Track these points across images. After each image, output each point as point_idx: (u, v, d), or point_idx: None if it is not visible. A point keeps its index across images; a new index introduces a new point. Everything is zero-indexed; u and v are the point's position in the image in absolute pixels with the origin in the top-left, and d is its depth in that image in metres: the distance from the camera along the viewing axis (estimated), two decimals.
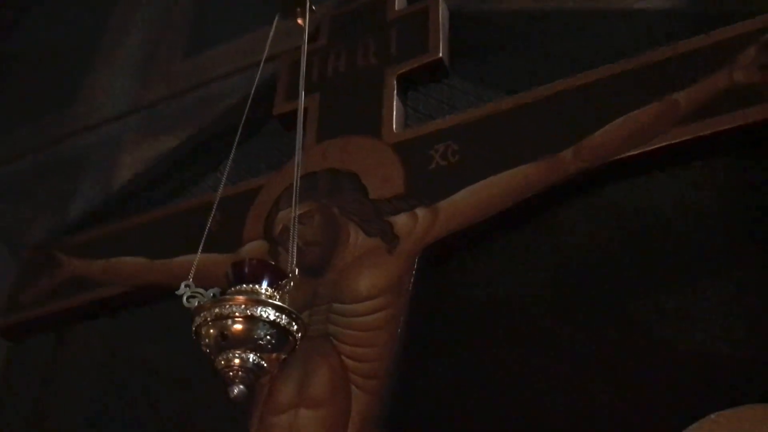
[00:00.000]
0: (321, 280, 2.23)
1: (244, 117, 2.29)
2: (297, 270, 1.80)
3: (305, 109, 2.72)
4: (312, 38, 2.99)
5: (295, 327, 1.76)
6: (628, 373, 1.83)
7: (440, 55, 2.56)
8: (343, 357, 2.06)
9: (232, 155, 2.20)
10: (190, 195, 2.87)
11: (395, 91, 2.56)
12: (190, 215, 2.67)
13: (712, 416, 1.57)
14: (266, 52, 2.47)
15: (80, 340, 2.82)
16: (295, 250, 1.85)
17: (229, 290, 1.76)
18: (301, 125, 2.21)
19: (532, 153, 2.15)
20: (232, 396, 1.69)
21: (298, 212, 2.38)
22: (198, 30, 4.65)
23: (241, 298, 1.72)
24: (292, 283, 1.76)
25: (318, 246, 2.30)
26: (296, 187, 2.00)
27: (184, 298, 1.78)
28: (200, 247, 1.94)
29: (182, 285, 1.80)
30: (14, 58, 5.22)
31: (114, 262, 2.72)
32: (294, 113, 2.69)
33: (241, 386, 1.70)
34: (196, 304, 1.75)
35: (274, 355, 1.76)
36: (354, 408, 1.96)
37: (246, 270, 1.81)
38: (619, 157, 2.03)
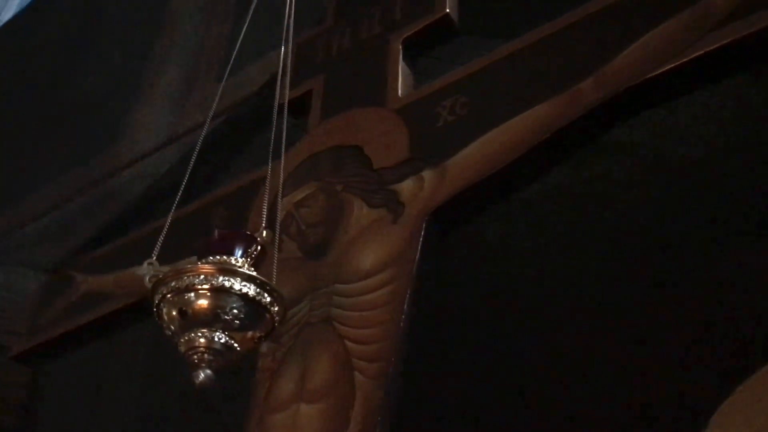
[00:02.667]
0: (323, 262, 2.00)
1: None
2: (265, 232, 1.56)
3: (310, 91, 2.56)
4: (318, 22, 2.84)
5: (268, 299, 1.51)
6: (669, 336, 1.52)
7: (447, 10, 2.32)
8: (346, 341, 1.80)
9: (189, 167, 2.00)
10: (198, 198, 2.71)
11: (400, 56, 2.33)
12: (194, 218, 2.51)
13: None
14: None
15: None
16: (265, 211, 1.61)
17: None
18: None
19: (546, 92, 1.87)
20: (197, 382, 1.45)
21: (300, 196, 2.21)
22: (230, 54, 4.63)
23: (202, 267, 1.49)
24: (259, 248, 1.53)
25: (321, 227, 2.08)
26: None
27: (146, 279, 1.57)
28: (167, 223, 1.74)
29: (144, 264, 1.59)
30: (62, 107, 5.35)
31: (124, 274, 2.58)
32: (301, 98, 2.54)
33: (208, 371, 1.46)
34: None
35: (248, 334, 1.52)
36: (357, 397, 1.69)
37: (215, 240, 1.59)
38: (646, 77, 1.71)
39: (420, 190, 1.95)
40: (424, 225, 1.88)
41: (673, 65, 1.68)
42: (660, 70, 1.70)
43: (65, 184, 4.72)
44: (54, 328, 2.69)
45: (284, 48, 2.14)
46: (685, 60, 1.67)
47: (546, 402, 1.68)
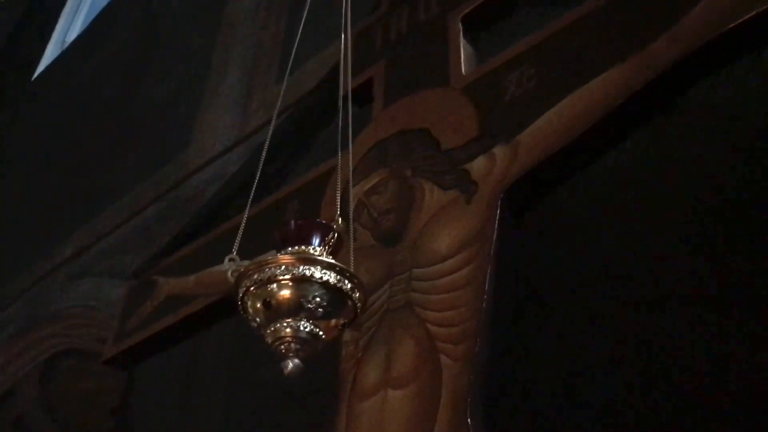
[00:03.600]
0: (399, 248, 1.98)
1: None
2: (341, 220, 1.55)
3: (372, 79, 2.55)
4: (374, 9, 2.82)
5: (349, 286, 1.51)
6: None
7: None
8: (429, 325, 1.77)
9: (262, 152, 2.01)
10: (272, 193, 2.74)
11: (461, 34, 2.29)
12: (269, 213, 2.53)
13: None
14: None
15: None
16: (338, 197, 1.61)
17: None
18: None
19: (617, 55, 1.79)
20: (286, 372, 1.46)
21: (370, 184, 2.20)
22: (288, 52, 4.69)
23: (282, 258, 1.50)
24: (336, 235, 1.52)
25: (393, 213, 2.06)
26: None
27: (229, 274, 1.59)
28: (243, 219, 1.75)
29: (226, 259, 1.61)
30: (131, 120, 5.52)
31: (204, 274, 2.63)
32: (363, 86, 2.53)
33: (296, 360, 1.47)
34: None
35: (332, 321, 1.52)
36: (445, 380, 1.67)
37: (292, 231, 1.59)
38: (724, 29, 1.62)
39: (492, 167, 1.90)
40: (499, 203, 1.83)
41: (755, 12, 1.58)
42: (740, 20, 1.60)
43: (141, 193, 4.87)
44: (140, 332, 2.76)
45: (344, 36, 2.13)
46: None
47: (638, 378, 1.61)
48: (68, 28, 7.44)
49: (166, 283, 2.78)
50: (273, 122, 2.29)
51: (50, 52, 7.31)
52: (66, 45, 7.18)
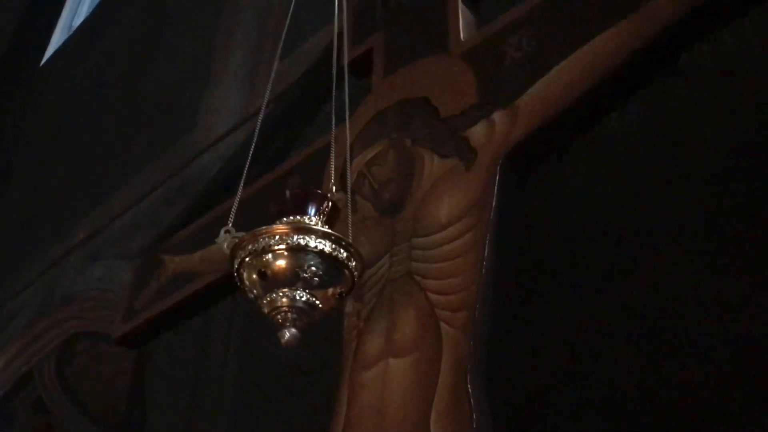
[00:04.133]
0: (399, 218, 1.96)
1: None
2: (335, 189, 1.54)
3: (370, 50, 2.52)
4: None
5: (345, 255, 1.50)
6: None
7: None
8: (429, 293, 1.76)
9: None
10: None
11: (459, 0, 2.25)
12: (271, 188, 2.52)
13: None
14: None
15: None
16: (332, 166, 1.59)
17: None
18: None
19: (617, 13, 1.75)
20: (283, 341, 1.46)
21: (371, 155, 2.18)
22: (292, 29, 4.66)
23: (277, 228, 1.49)
24: (330, 204, 1.50)
25: (393, 183, 2.04)
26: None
27: (224, 246, 1.58)
28: (240, 187, 1.74)
29: (221, 232, 1.60)
30: (138, 102, 5.52)
31: (208, 250, 2.62)
32: (363, 57, 2.50)
33: (293, 330, 1.47)
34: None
35: (329, 291, 1.51)
36: (445, 348, 1.65)
37: (287, 201, 1.58)
38: None
39: (491, 134, 1.87)
40: (498, 170, 1.81)
41: None
42: None
43: (150, 175, 4.88)
44: (149, 310, 2.77)
45: (337, 4, 2.10)
46: None
47: (636, 342, 1.59)
48: (75, 13, 7.43)
49: (172, 262, 2.78)
50: (266, 99, 2.27)
51: (57, 38, 7.32)
52: (73, 30, 7.18)
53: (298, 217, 1.52)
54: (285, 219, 1.53)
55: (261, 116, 2.19)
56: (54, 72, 7.08)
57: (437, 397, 1.60)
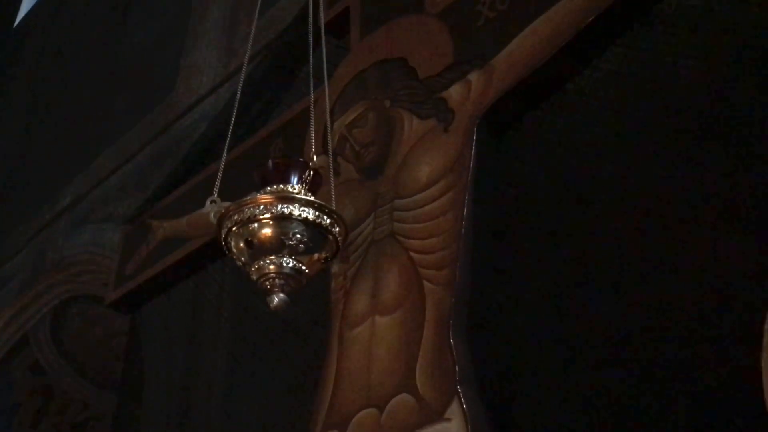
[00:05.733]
0: (381, 180, 2.01)
1: None
2: (316, 157, 1.58)
3: (347, 9, 2.52)
4: None
5: (328, 221, 1.54)
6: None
7: None
8: (412, 253, 1.83)
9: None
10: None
11: None
12: (255, 152, 2.55)
13: None
14: None
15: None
16: (313, 135, 1.63)
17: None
18: None
19: None
20: (272, 306, 1.52)
21: (351, 117, 2.20)
22: None
23: (261, 198, 1.53)
24: (313, 173, 1.55)
25: (374, 145, 2.08)
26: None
27: (211, 216, 1.62)
28: (222, 161, 1.78)
29: (208, 202, 1.65)
30: (118, 65, 5.47)
31: (194, 216, 2.67)
32: (339, 17, 2.50)
33: (281, 294, 1.53)
34: None
35: (314, 256, 1.57)
36: (429, 305, 1.73)
37: (270, 170, 1.62)
38: None
39: (468, 93, 1.91)
40: (475, 129, 1.85)
41: None
42: None
43: (132, 137, 4.87)
44: (140, 275, 2.82)
45: None
46: None
47: (615, 291, 1.65)
48: None
49: (160, 226, 2.82)
50: (247, 56, 2.28)
51: None
52: None
53: (282, 186, 1.56)
54: (269, 188, 1.57)
55: (243, 75, 2.20)
56: (29, 33, 6.96)
57: (422, 351, 1.68)
